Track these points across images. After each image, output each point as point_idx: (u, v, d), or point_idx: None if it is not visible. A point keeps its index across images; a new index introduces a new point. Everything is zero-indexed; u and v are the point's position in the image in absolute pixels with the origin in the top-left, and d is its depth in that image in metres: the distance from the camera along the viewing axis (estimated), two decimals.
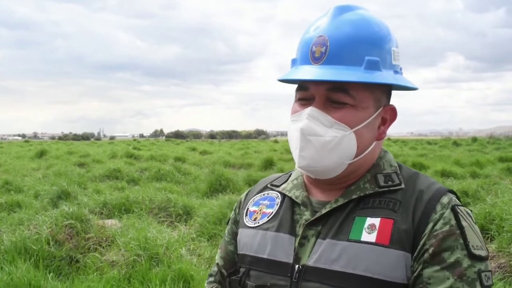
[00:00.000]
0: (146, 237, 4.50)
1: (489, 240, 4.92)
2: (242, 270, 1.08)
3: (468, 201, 6.70)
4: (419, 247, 0.91)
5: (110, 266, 4.28)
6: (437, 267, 0.88)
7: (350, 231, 0.95)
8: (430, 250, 0.89)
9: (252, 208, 1.14)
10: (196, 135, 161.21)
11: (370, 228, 0.94)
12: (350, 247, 0.93)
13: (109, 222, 5.54)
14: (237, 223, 1.17)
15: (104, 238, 4.87)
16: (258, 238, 1.06)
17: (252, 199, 1.16)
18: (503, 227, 4.74)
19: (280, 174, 1.20)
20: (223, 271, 1.18)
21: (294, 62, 1.04)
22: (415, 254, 0.91)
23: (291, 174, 1.16)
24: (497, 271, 4.25)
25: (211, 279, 1.22)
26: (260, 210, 1.11)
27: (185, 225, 6.08)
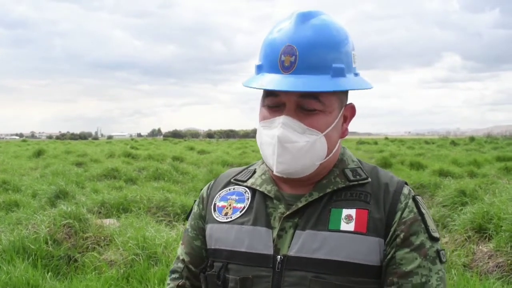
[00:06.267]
0: (144, 237, 4.50)
1: (487, 239, 4.93)
2: (217, 264, 1.09)
3: (466, 201, 6.71)
4: (391, 233, 1.01)
5: (109, 265, 4.28)
6: (407, 249, 1.00)
7: (329, 222, 1.02)
8: (401, 235, 1.01)
9: (220, 203, 1.15)
10: (194, 134, 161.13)
11: (348, 219, 1.02)
12: (331, 237, 1.01)
13: (107, 221, 5.54)
14: (203, 218, 1.18)
15: (103, 238, 4.88)
16: (233, 233, 1.09)
17: (218, 194, 1.17)
18: (501, 226, 4.75)
19: (240, 168, 1.23)
20: (191, 266, 1.18)
21: (259, 68, 1.05)
22: (387, 240, 1.01)
23: (255, 169, 1.18)
24: (495, 270, 4.26)
25: (175, 275, 1.21)
26: (229, 205, 1.13)
27: (183, 224, 6.07)
